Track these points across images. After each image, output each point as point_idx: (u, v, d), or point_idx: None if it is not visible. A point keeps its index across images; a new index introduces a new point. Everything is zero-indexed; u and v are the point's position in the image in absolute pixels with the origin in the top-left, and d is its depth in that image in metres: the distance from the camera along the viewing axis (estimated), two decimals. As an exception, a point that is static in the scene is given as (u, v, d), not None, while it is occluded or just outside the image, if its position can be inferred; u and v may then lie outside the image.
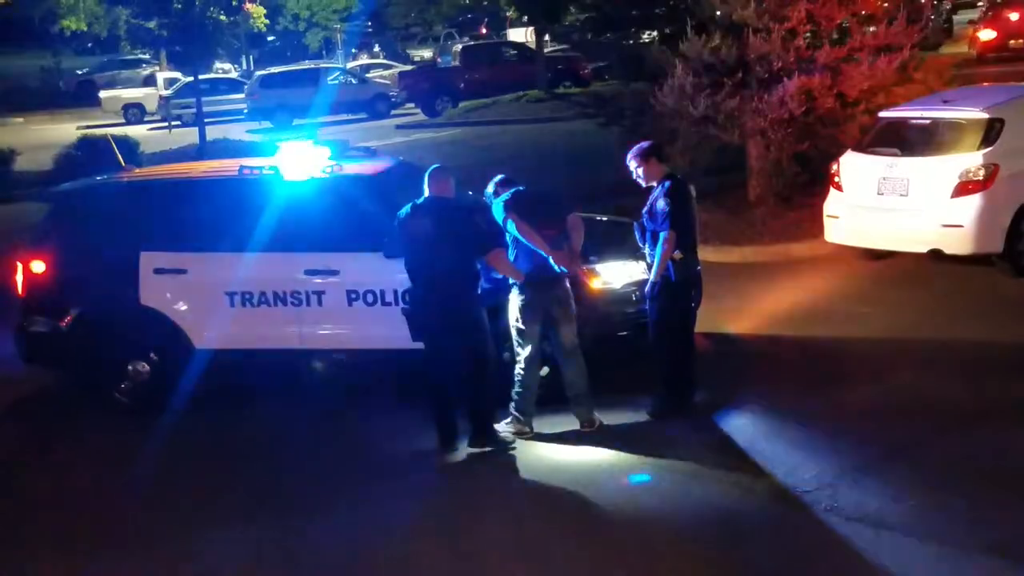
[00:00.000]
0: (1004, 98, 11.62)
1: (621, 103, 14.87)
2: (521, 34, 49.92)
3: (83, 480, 8.06)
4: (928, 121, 11.57)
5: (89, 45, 62.17)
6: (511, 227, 7.78)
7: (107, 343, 9.01)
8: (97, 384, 9.18)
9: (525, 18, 37.91)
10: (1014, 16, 29.71)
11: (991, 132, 10.88)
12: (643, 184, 8.17)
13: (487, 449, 7.83)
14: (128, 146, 20.55)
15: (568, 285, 7.94)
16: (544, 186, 8.22)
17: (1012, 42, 28.47)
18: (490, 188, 8.25)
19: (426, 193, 7.89)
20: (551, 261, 7.73)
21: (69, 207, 9.80)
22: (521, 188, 8.09)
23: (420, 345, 7.98)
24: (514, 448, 7.83)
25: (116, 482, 7.96)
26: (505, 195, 7.98)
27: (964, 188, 10.72)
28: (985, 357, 8.96)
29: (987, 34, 27.19)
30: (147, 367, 9.04)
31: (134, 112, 41.03)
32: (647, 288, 8.07)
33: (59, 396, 9.81)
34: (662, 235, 7.86)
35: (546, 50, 34.43)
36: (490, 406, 7.94)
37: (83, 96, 48.19)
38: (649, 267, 8.16)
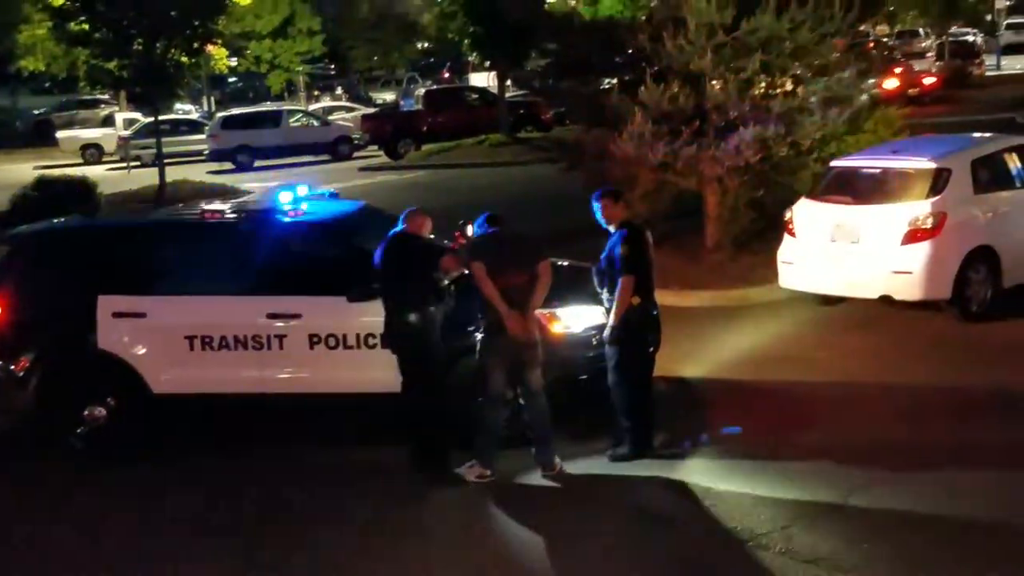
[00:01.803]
0: (951, 149, 11.93)
1: (582, 149, 15.01)
2: (483, 78, 50.30)
3: (26, 526, 8.01)
4: (878, 170, 11.84)
5: (47, 85, 61.95)
6: (474, 273, 7.89)
7: (64, 387, 8.96)
8: (52, 429, 9.08)
9: (487, 63, 38.20)
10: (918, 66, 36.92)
11: (939, 181, 11.14)
12: (605, 226, 8.32)
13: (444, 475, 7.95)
14: (86, 187, 20.42)
15: (535, 329, 8.03)
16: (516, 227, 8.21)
17: (910, 90, 32.56)
18: (470, 229, 8.35)
19: (399, 227, 8.03)
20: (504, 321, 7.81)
21: (26, 249, 9.74)
22: (496, 230, 8.14)
23: (381, 388, 8.05)
24: (455, 484, 7.91)
25: (62, 525, 7.91)
26: (479, 237, 8.10)
27: (913, 236, 10.95)
28: (936, 401, 9.15)
29: (891, 83, 29.31)
30: (104, 412, 8.94)
31: (92, 152, 40.80)
32: (606, 332, 8.19)
33: (10, 440, 9.72)
34: (620, 280, 7.99)
35: (508, 94, 34.74)
36: (428, 441, 8.03)
37: (40, 136, 47.89)
38: (607, 312, 8.29)
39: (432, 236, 8.39)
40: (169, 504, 8.15)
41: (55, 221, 10.29)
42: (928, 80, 36.76)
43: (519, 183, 23.66)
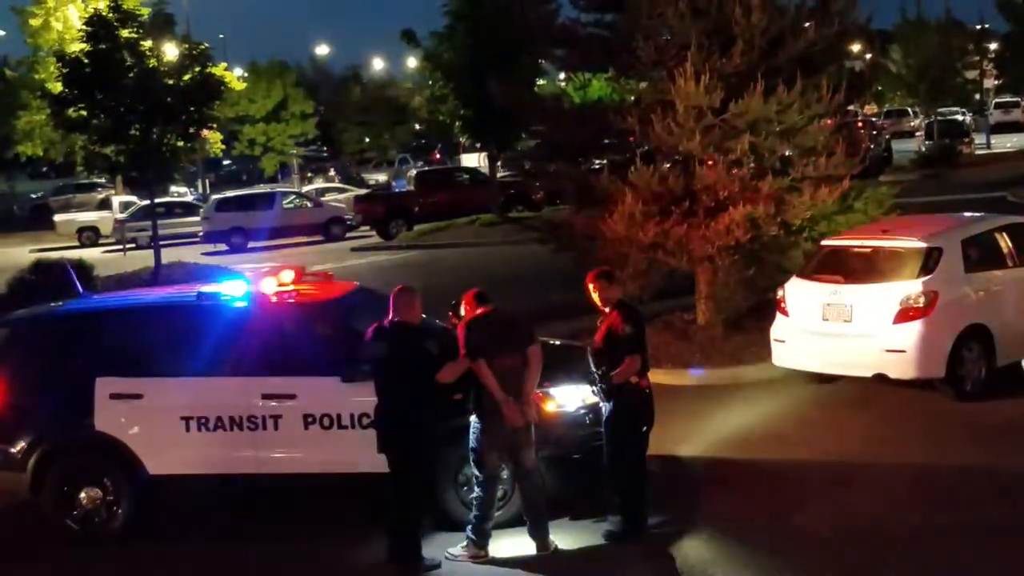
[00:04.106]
0: (942, 228, 12.06)
1: (572, 229, 15.13)
2: (474, 159, 50.83)
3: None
4: (869, 249, 11.95)
5: (44, 169, 62.51)
6: (476, 370, 7.91)
7: (61, 469, 8.96)
8: (49, 511, 9.04)
9: (478, 144, 38.66)
10: None
11: (930, 260, 11.24)
12: (601, 306, 8.39)
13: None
14: (83, 270, 20.48)
15: (531, 413, 8.05)
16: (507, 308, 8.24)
17: None
18: (463, 309, 8.41)
19: (390, 315, 8.04)
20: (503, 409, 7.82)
21: (24, 333, 9.80)
22: (488, 310, 8.17)
23: (377, 469, 8.05)
24: (436, 567, 7.88)
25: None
26: (471, 319, 8.14)
27: (905, 315, 11.03)
28: (931, 481, 9.13)
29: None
30: (100, 493, 8.94)
31: (88, 235, 41.01)
32: (607, 412, 8.18)
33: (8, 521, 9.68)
34: (626, 359, 8.04)
35: (499, 175, 35.09)
36: (403, 528, 7.97)
37: (37, 220, 48.16)
38: (601, 391, 8.32)
39: (424, 316, 8.43)
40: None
41: (52, 304, 10.34)
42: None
43: (510, 262, 23.79)
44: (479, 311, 8.18)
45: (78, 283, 10.80)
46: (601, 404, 8.36)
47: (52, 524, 9.04)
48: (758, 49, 13.51)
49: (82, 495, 8.92)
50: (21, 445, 9.07)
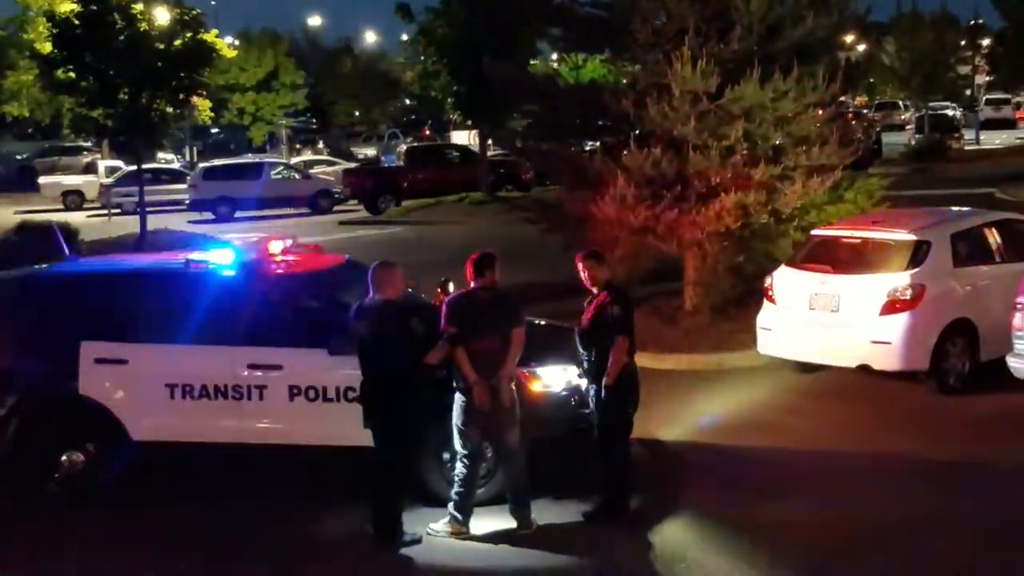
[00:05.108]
0: (932, 221, 12.10)
1: (562, 210, 15.12)
2: (465, 137, 50.74)
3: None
4: (858, 240, 11.98)
5: (30, 131, 62.13)
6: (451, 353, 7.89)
7: (44, 433, 8.93)
8: (30, 472, 9.00)
9: (469, 122, 38.57)
10: None
11: (919, 253, 11.28)
12: (589, 286, 8.37)
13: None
14: (69, 233, 20.38)
15: (513, 387, 8.05)
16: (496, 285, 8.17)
17: None
18: (451, 286, 8.35)
19: (370, 293, 7.99)
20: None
21: (10, 294, 9.72)
22: (475, 288, 8.07)
23: (362, 442, 8.04)
24: (417, 543, 7.90)
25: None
26: (454, 297, 8.10)
27: (892, 306, 11.06)
28: (911, 471, 9.17)
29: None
30: (82, 458, 8.92)
31: (73, 199, 40.78)
32: (603, 393, 8.14)
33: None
34: (616, 340, 8.03)
35: (489, 153, 35.03)
36: (385, 504, 7.97)
37: (22, 181, 47.86)
38: (588, 372, 8.32)
39: (410, 289, 8.36)
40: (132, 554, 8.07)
41: (39, 266, 10.27)
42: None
43: (498, 241, 23.73)
44: (469, 287, 8.13)
45: (64, 245, 10.73)
46: (588, 386, 8.36)
47: (28, 488, 9.00)
48: (756, 35, 13.50)
49: (64, 458, 8.89)
50: (4, 406, 9.01)
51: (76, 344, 8.91)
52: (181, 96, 24.18)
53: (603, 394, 8.12)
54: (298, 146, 63.71)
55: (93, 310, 9.19)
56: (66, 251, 10.58)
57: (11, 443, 8.95)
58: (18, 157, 56.99)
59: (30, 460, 8.95)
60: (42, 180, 43.57)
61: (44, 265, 10.36)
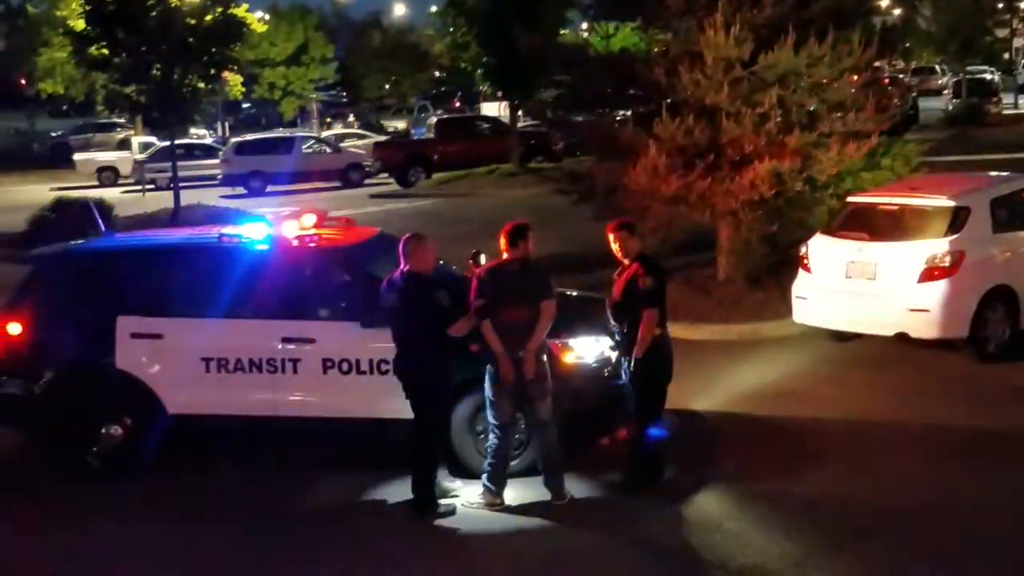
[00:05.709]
0: (970, 187, 11.94)
1: (593, 181, 15.03)
2: (495, 108, 50.58)
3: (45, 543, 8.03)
4: (896, 207, 11.83)
5: (64, 108, 62.56)
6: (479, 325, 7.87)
7: (81, 407, 9.01)
8: (67, 447, 9.09)
9: (499, 93, 38.43)
10: None
11: (957, 220, 11.13)
12: (621, 257, 8.31)
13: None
14: (103, 209, 20.55)
15: (544, 359, 8.02)
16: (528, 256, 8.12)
17: None
18: (483, 258, 8.33)
19: (400, 265, 7.98)
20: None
21: (48, 270, 9.81)
22: (507, 259, 8.02)
23: (394, 415, 8.05)
24: (451, 514, 7.93)
25: (80, 546, 7.91)
26: (485, 271, 8.07)
27: (930, 274, 10.93)
28: (949, 441, 9.10)
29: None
30: (120, 431, 9.00)
31: (108, 175, 41.04)
32: (633, 365, 8.10)
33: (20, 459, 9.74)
34: (644, 313, 7.98)
35: (519, 124, 34.92)
36: (420, 476, 7.99)
37: (57, 158, 48.20)
38: (619, 344, 8.28)
39: (441, 262, 8.33)
40: (168, 528, 8.16)
41: (75, 242, 10.34)
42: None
43: (530, 213, 23.67)
44: (501, 258, 8.08)
45: (101, 221, 10.80)
46: (620, 357, 8.31)
47: (68, 461, 9.10)
48: (790, 0, 13.31)
49: (103, 431, 8.98)
50: (43, 381, 9.12)
51: (112, 319, 8.97)
52: (212, 71, 24.29)
53: (634, 366, 8.07)
54: (328, 120, 63.79)
55: (129, 285, 9.26)
56: (102, 227, 10.64)
57: (50, 417, 9.05)
58: (53, 135, 57.42)
59: (69, 433, 9.04)
60: (77, 157, 43.83)
61: (80, 241, 10.42)
